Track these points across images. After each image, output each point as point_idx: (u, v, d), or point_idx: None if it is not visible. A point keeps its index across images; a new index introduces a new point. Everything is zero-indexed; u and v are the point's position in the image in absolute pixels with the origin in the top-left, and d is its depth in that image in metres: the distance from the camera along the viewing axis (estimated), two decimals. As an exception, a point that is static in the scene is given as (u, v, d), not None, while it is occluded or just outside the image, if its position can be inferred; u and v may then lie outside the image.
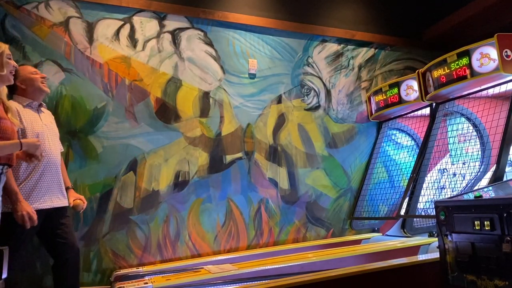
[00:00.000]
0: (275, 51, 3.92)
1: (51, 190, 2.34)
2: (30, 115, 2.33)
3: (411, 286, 2.22)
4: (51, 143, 2.40)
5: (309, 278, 2.08)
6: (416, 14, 4.53)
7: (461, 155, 3.55)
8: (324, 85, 4.07)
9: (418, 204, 3.37)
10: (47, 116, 2.50)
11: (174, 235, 3.32)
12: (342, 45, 4.20)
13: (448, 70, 3.12)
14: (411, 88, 3.69)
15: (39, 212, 2.21)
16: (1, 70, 2.02)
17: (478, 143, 3.47)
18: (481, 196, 1.97)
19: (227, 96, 3.68)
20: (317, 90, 4.04)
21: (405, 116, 4.04)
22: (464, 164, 3.51)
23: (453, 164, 3.60)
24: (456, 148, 3.59)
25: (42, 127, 2.36)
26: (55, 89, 3.13)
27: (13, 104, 2.21)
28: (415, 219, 3.45)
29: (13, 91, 2.36)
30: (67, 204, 2.47)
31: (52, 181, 2.35)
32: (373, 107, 4.11)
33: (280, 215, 3.69)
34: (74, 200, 2.49)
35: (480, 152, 3.42)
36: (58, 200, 2.38)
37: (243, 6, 3.82)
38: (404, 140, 4.17)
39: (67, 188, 2.52)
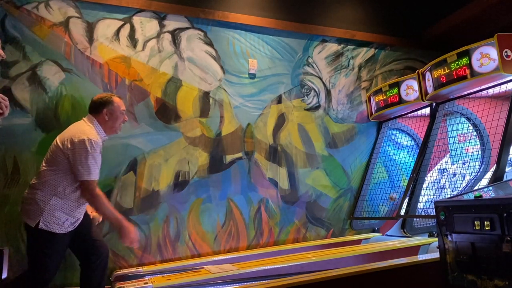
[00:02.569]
0: (275, 51, 3.92)
1: None
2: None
3: (411, 286, 2.22)
4: None
5: (309, 278, 2.08)
6: (416, 14, 4.52)
7: (461, 155, 3.55)
8: (324, 85, 4.07)
9: (418, 204, 3.37)
10: None
11: (174, 235, 3.32)
12: (342, 45, 4.20)
13: (448, 70, 3.12)
14: (411, 88, 3.69)
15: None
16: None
17: (478, 143, 3.47)
18: (481, 196, 1.97)
19: (227, 96, 3.68)
20: (317, 90, 4.03)
21: (405, 116, 4.03)
22: (464, 164, 3.51)
23: (453, 164, 3.60)
24: (456, 148, 3.59)
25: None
26: (55, 89, 3.14)
27: (93, 132, 2.26)
28: (415, 219, 3.45)
29: (94, 113, 2.37)
30: None
31: None
32: (373, 107, 4.11)
33: (280, 215, 3.69)
34: (91, 212, 2.56)
35: (480, 152, 3.42)
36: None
37: (243, 6, 3.82)
38: (404, 140, 4.17)
39: None
